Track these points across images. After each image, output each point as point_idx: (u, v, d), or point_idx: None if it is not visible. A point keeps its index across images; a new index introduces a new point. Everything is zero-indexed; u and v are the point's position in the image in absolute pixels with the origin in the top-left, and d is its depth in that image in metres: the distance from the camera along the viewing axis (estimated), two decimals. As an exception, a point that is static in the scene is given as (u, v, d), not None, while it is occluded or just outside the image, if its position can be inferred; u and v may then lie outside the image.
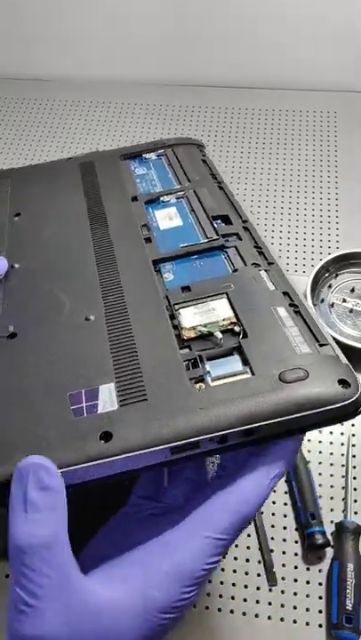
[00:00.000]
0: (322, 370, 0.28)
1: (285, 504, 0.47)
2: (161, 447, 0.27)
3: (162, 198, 0.44)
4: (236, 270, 0.36)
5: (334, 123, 0.76)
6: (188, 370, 0.30)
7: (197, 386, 0.29)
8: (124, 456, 0.26)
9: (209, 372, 0.30)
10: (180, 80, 0.82)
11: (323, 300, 0.57)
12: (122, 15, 0.77)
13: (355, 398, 0.28)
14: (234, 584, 0.43)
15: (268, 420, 0.27)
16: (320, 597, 0.43)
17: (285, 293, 0.34)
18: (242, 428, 0.27)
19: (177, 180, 0.46)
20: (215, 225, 0.40)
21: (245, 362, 0.30)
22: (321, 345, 0.31)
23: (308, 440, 0.50)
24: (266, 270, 0.36)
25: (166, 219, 0.42)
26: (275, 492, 0.47)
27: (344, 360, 0.30)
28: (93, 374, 0.31)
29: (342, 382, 0.28)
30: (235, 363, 0.30)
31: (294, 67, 0.79)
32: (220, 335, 0.31)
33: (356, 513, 0.46)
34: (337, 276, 0.59)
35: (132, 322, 0.33)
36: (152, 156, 0.49)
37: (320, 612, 0.42)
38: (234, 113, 0.78)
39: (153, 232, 0.40)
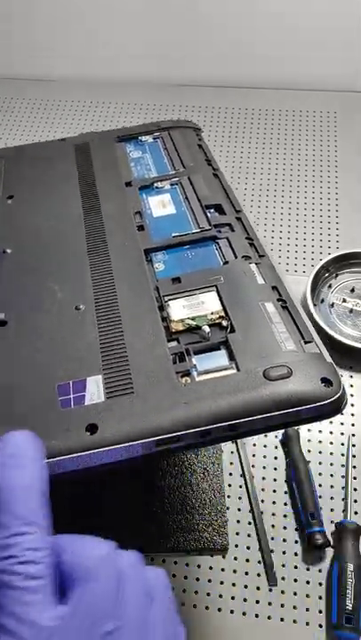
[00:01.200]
0: (305, 368, 0.29)
1: (285, 504, 0.47)
2: (145, 441, 0.27)
3: (156, 184, 0.43)
4: (226, 262, 0.36)
5: (334, 123, 0.76)
6: (174, 363, 0.30)
7: (183, 380, 0.29)
8: (108, 448, 0.27)
9: (195, 366, 0.30)
10: (180, 80, 0.82)
11: (323, 300, 0.57)
12: (122, 15, 0.77)
13: (337, 397, 0.28)
14: (234, 584, 0.43)
15: (251, 416, 0.27)
16: (320, 597, 0.43)
17: (274, 288, 0.34)
18: (224, 424, 0.27)
19: (172, 166, 0.45)
20: (208, 214, 0.40)
21: (231, 357, 0.30)
22: (306, 342, 0.31)
23: (308, 440, 0.50)
24: (256, 263, 0.36)
25: (160, 206, 0.42)
26: (275, 491, 0.47)
27: (328, 358, 0.30)
28: (82, 365, 0.31)
29: (325, 381, 0.28)
30: (221, 357, 0.31)
31: (294, 67, 0.79)
32: (207, 329, 0.32)
33: (356, 513, 0.46)
34: (337, 275, 0.59)
35: (121, 312, 0.33)
36: (148, 138, 0.49)
37: (320, 612, 0.42)
38: (234, 113, 0.78)
39: (146, 219, 0.40)
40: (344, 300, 0.57)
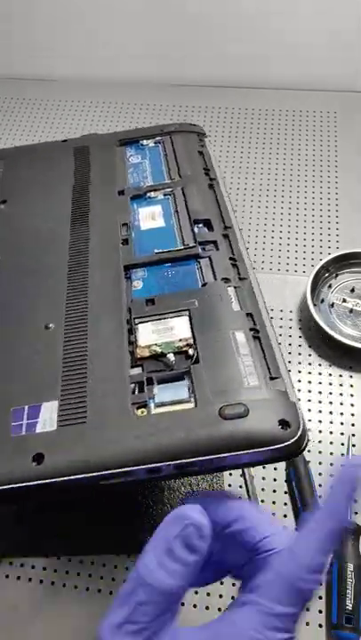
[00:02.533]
0: (264, 407, 0.28)
1: (285, 504, 0.47)
2: (90, 475, 0.27)
3: (149, 194, 0.43)
4: (205, 284, 0.35)
5: (334, 123, 0.76)
6: (133, 393, 0.30)
7: (139, 412, 0.29)
8: (52, 480, 0.26)
9: (154, 397, 0.29)
10: (180, 80, 0.82)
11: (323, 300, 0.57)
12: (122, 15, 0.77)
13: (293, 440, 0.27)
14: (234, 584, 0.43)
15: (202, 456, 0.27)
16: (320, 597, 0.43)
17: (249, 315, 0.33)
18: (173, 463, 0.27)
19: (168, 174, 0.45)
20: (196, 229, 0.39)
21: (192, 389, 0.29)
22: (272, 378, 0.30)
23: (309, 440, 0.50)
24: (235, 287, 0.35)
25: (149, 218, 0.41)
26: (275, 492, 0.47)
27: (292, 397, 0.29)
28: (40, 389, 0.30)
29: (283, 423, 0.27)
30: (182, 389, 0.30)
31: (294, 67, 0.79)
32: (172, 358, 0.31)
33: (356, 513, 0.46)
34: (337, 275, 0.59)
35: (89, 335, 0.33)
36: (150, 142, 0.48)
37: (320, 612, 0.42)
38: (234, 113, 0.78)
39: (132, 232, 0.40)
40: (344, 300, 0.57)
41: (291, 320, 0.57)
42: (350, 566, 0.42)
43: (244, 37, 0.77)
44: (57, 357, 0.32)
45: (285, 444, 0.27)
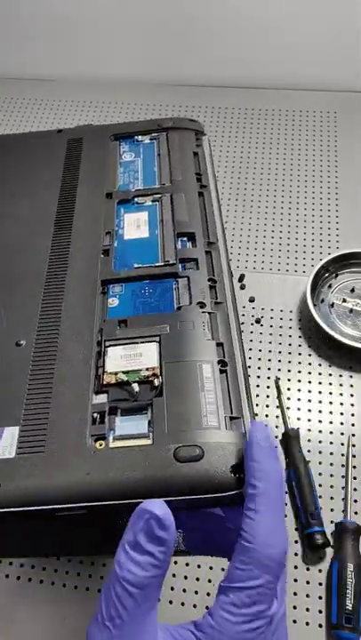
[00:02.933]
0: (218, 451, 0.27)
1: (285, 504, 0.47)
2: (41, 507, 0.27)
3: (137, 199, 0.42)
4: (179, 308, 0.34)
5: (334, 123, 0.76)
6: (94, 423, 0.29)
7: (97, 444, 0.28)
8: (5, 510, 0.26)
9: (114, 429, 0.29)
10: (180, 80, 0.82)
11: (323, 300, 0.57)
12: (122, 15, 0.77)
13: (243, 489, 0.26)
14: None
15: (150, 498, 0.26)
16: (320, 597, 0.43)
17: (220, 345, 0.32)
18: (121, 502, 0.26)
19: (159, 178, 0.43)
20: (180, 244, 0.38)
21: (152, 424, 0.29)
22: (232, 418, 0.29)
23: (308, 440, 0.50)
24: (210, 313, 0.34)
25: (134, 226, 0.40)
26: (275, 491, 0.47)
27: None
28: (4, 413, 0.30)
29: (235, 469, 0.27)
30: (142, 422, 0.29)
31: (294, 67, 0.79)
32: (136, 388, 0.30)
33: (356, 513, 0.46)
34: (337, 275, 0.59)
35: (57, 356, 0.32)
36: (145, 139, 0.47)
37: (320, 612, 0.42)
38: (234, 113, 0.78)
39: (115, 242, 0.39)
40: (344, 300, 0.57)
41: (291, 320, 0.57)
42: (350, 566, 0.42)
43: (245, 37, 0.77)
44: (24, 379, 0.31)
45: (234, 492, 0.26)
